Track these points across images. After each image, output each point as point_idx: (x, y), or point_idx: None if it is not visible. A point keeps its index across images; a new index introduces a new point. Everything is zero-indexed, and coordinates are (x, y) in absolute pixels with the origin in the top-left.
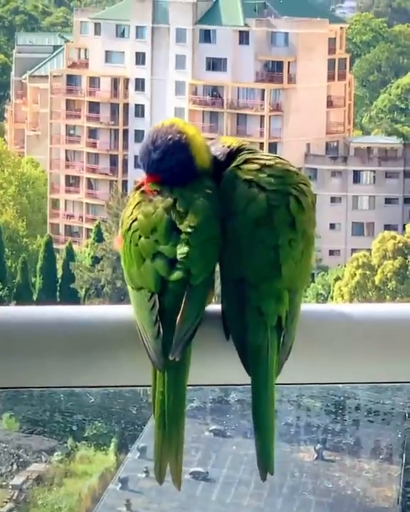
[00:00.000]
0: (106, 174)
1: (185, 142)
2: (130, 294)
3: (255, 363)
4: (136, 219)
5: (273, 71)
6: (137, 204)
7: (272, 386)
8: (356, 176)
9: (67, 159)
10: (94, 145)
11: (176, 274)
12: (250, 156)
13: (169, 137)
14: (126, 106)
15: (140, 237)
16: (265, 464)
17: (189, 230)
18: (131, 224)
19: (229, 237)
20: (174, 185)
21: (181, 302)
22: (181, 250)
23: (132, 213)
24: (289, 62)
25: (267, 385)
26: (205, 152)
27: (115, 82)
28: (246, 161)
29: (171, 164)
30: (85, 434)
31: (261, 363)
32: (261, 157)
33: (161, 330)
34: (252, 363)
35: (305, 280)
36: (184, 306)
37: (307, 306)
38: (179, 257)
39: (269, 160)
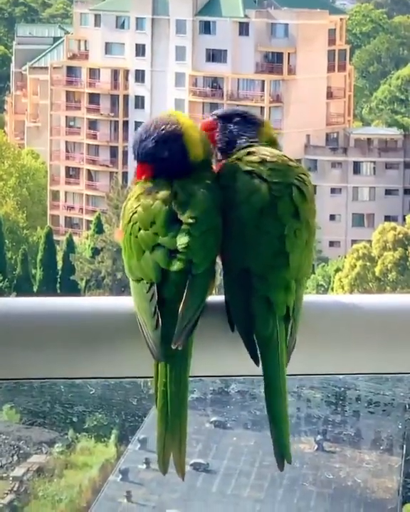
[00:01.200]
0: (106, 166)
1: (179, 132)
2: (131, 285)
3: (265, 354)
4: (135, 212)
5: (273, 62)
6: (136, 197)
7: (284, 376)
8: (357, 167)
9: (67, 151)
10: (94, 136)
11: (178, 265)
12: (253, 150)
13: (163, 127)
14: (126, 97)
15: (139, 229)
16: (282, 452)
17: (191, 220)
18: (131, 217)
19: (232, 227)
20: (169, 178)
21: (182, 293)
22: (182, 240)
23: (132, 206)
24: (289, 54)
25: (279, 375)
26: (199, 146)
27: (115, 73)
28: (248, 154)
29: (163, 154)
30: (86, 426)
31: (272, 354)
32: (264, 153)
33: (160, 321)
34: (262, 354)
35: (308, 270)
36: (187, 295)
37: (308, 297)
38: (179, 247)
39: (272, 157)
